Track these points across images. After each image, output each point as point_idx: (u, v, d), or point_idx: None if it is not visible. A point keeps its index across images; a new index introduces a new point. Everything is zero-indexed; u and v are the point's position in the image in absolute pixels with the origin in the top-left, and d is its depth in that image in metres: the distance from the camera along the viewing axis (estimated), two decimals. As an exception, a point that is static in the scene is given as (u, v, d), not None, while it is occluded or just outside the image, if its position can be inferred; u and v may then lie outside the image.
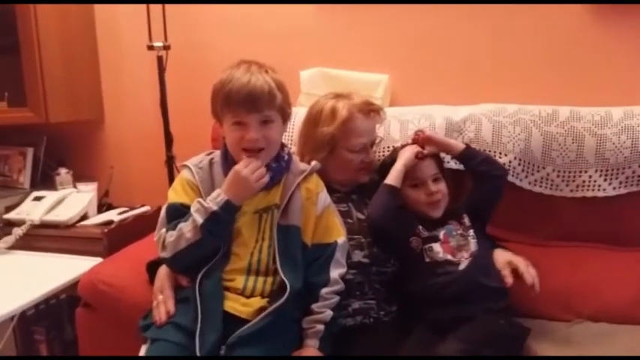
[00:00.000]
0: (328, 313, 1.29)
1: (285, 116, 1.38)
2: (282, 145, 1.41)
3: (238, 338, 1.20)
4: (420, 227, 1.48)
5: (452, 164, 1.62)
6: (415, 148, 1.51)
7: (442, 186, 1.51)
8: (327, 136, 1.52)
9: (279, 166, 1.37)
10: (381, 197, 1.47)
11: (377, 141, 1.64)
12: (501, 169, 1.57)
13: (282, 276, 1.26)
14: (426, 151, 1.50)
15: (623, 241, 1.64)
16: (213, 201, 1.26)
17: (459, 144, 1.55)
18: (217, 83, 1.34)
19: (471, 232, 1.48)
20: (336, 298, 1.32)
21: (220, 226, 1.27)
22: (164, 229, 1.31)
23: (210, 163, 1.40)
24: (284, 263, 1.29)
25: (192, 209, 1.27)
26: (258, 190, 1.31)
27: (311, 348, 1.26)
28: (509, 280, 1.38)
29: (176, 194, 1.35)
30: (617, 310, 1.47)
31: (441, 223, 1.50)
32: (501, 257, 1.45)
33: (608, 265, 1.59)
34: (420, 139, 1.53)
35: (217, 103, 1.34)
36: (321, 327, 1.28)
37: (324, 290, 1.31)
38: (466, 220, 1.51)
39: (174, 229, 1.29)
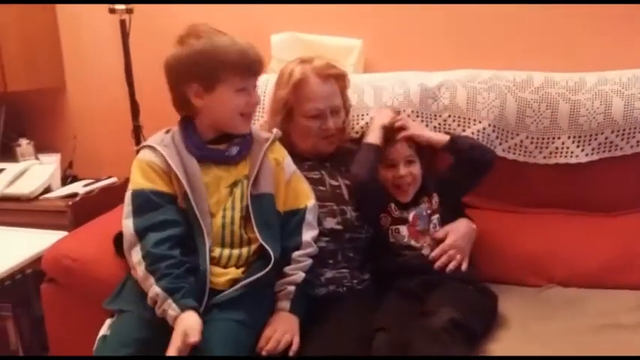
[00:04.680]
0: (300, 275, 1.30)
1: None
2: None
3: (218, 302, 1.21)
4: (393, 205, 1.48)
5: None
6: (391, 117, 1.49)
7: (414, 169, 1.49)
8: (281, 101, 1.48)
9: (244, 140, 1.36)
10: (366, 156, 1.46)
11: (340, 108, 1.53)
12: (491, 152, 1.55)
13: (265, 245, 1.26)
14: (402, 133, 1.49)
15: (594, 208, 1.66)
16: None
17: (442, 136, 1.52)
18: (203, 50, 1.26)
19: (436, 217, 1.48)
20: (309, 261, 1.33)
21: None
22: (138, 246, 1.22)
23: (173, 139, 1.35)
24: (263, 232, 1.29)
25: (161, 303, 1.15)
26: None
27: (283, 311, 1.27)
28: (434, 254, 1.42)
29: (143, 179, 1.27)
30: (588, 275, 1.51)
31: (414, 203, 1.49)
32: (448, 228, 1.46)
33: (580, 231, 1.61)
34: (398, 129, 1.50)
35: (209, 70, 1.27)
36: (291, 288, 1.29)
37: (295, 253, 1.32)
38: (434, 201, 1.50)
39: (153, 263, 1.19)
